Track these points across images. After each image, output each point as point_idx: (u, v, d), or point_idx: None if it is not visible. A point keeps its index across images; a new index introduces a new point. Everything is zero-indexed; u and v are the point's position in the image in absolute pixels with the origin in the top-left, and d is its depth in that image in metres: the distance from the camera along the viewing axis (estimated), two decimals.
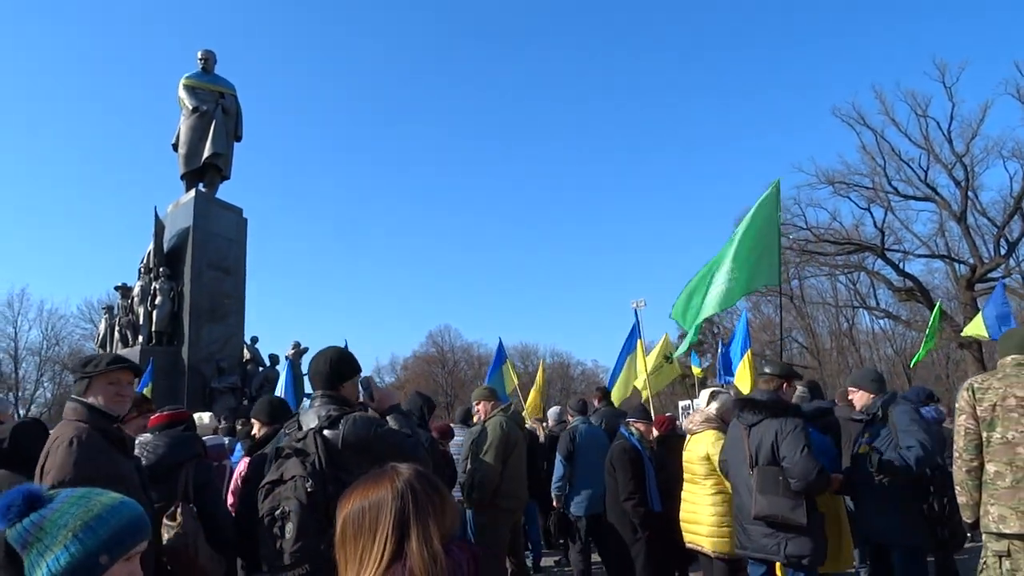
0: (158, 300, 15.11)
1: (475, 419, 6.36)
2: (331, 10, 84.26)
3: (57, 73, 70.81)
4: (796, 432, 4.20)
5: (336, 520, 1.49)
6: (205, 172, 16.37)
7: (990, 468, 3.56)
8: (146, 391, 11.60)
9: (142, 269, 15.79)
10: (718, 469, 4.96)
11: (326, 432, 2.96)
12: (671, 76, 79.47)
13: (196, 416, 5.46)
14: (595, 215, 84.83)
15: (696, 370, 17.90)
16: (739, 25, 73.29)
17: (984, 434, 3.61)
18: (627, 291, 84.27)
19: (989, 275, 30.84)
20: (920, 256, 34.15)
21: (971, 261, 31.81)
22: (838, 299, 42.22)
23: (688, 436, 5.45)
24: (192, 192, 15.97)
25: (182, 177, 16.43)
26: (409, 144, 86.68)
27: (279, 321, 65.06)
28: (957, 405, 3.80)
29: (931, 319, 12.22)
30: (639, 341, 10.00)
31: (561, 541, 8.54)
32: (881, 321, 41.58)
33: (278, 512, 2.75)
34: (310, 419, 3.08)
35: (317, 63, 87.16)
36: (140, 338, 15.23)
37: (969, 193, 31.78)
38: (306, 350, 17.84)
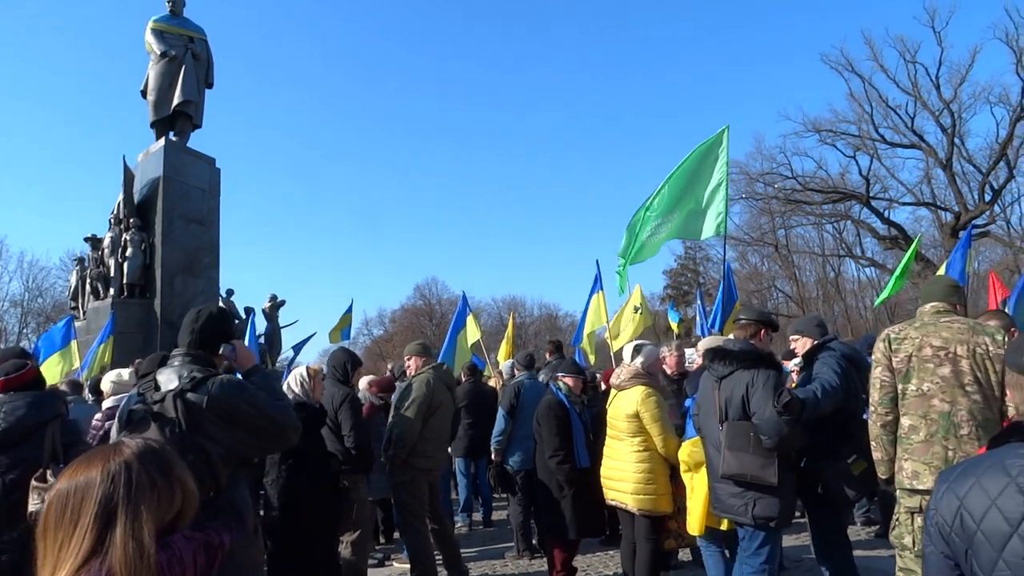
0: (129, 252, 14.79)
1: (408, 373, 6.09)
2: None
3: (31, 17, 68.63)
4: (768, 384, 3.96)
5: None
6: (176, 120, 15.88)
7: (904, 422, 3.40)
8: (104, 346, 11.43)
9: (112, 220, 15.41)
10: (651, 425, 4.86)
11: (189, 395, 2.73)
12: (659, 22, 77.79)
13: (116, 372, 5.33)
14: (582, 169, 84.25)
15: (674, 325, 17.80)
16: None
17: (900, 386, 3.42)
18: (614, 243, 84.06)
19: (974, 222, 30.82)
20: (905, 204, 34.12)
21: (956, 208, 31.74)
22: (824, 248, 42.25)
23: (614, 392, 5.29)
24: (162, 141, 15.51)
25: (152, 125, 15.94)
26: (391, 93, 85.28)
27: (260, 274, 64.72)
28: (873, 357, 3.61)
29: (905, 257, 11.68)
30: (600, 291, 9.86)
31: (502, 494, 8.57)
32: (867, 270, 41.58)
33: None
34: (170, 379, 2.85)
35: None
36: (112, 291, 14.96)
37: (956, 140, 31.59)
38: (283, 303, 17.77)
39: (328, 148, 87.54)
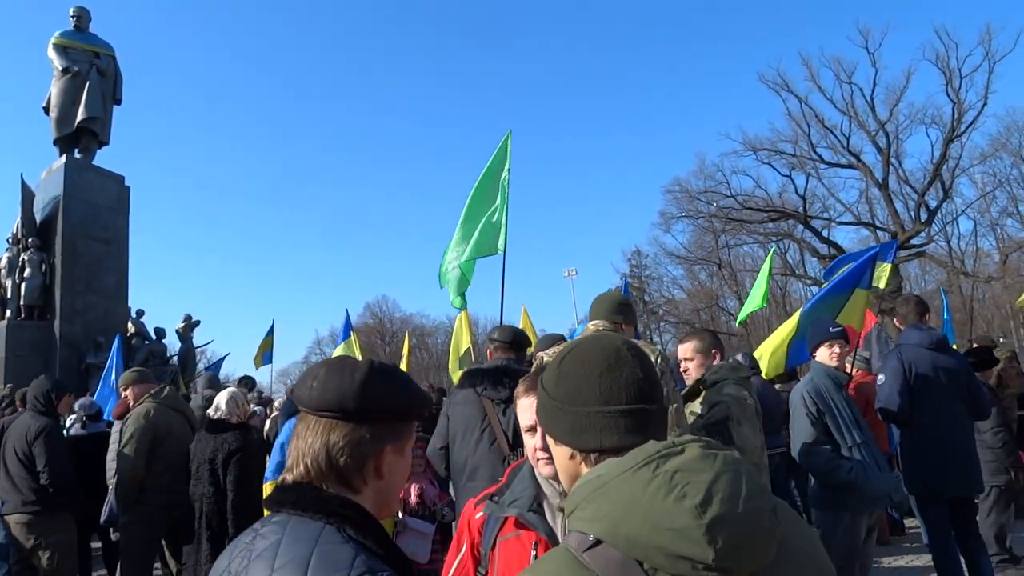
0: (27, 272, 14.30)
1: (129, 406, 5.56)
2: None
3: None
4: None
5: None
6: (80, 137, 15.49)
7: None
8: None
9: (10, 240, 14.93)
10: None
11: None
12: (601, 43, 78.72)
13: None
14: (529, 186, 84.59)
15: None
16: None
17: None
18: (560, 260, 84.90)
19: (911, 242, 31.37)
20: (843, 224, 34.59)
21: (893, 228, 32.27)
22: (771, 267, 42.50)
23: None
24: (63, 158, 15.10)
25: (55, 142, 15.51)
26: (325, 105, 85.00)
27: (189, 295, 63.26)
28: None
29: (760, 272, 11.20)
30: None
31: None
32: (813, 288, 42.14)
33: None
34: None
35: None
36: (8, 312, 14.44)
37: (892, 160, 32.20)
38: (197, 323, 17.31)
39: (295, 165, 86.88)
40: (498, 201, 5.98)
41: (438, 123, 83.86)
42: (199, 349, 18.38)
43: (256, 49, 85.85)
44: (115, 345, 10.34)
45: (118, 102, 16.20)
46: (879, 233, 33.63)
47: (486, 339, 4.30)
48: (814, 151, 32.92)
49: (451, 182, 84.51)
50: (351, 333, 10.80)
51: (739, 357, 6.35)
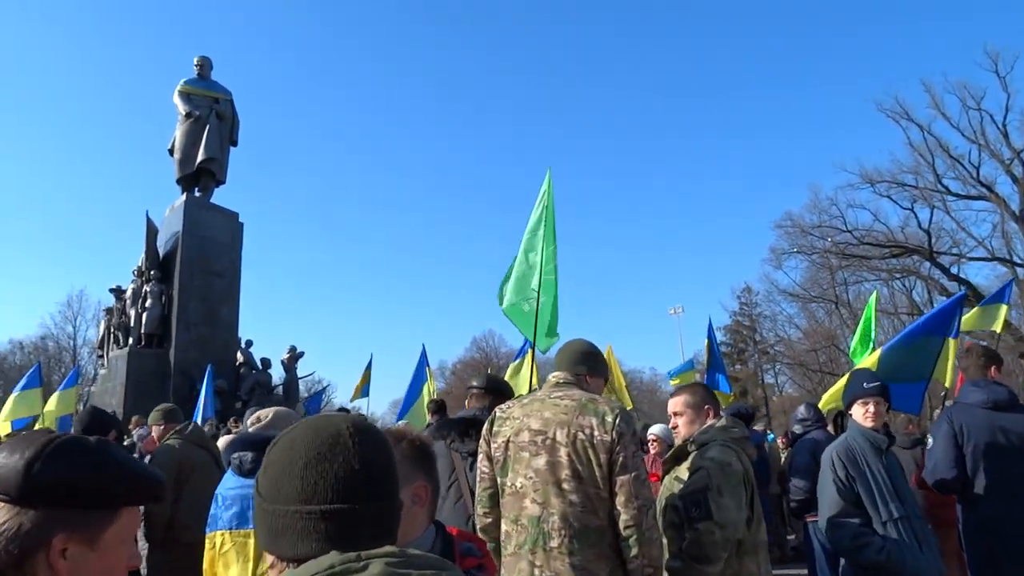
0: (148, 303, 15.33)
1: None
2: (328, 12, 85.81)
3: (113, 76, 73.88)
4: None
5: None
6: (200, 177, 16.56)
7: (503, 527, 2.63)
8: (68, 393, 11.67)
9: (135, 272, 16.05)
10: None
11: None
12: (708, 71, 77.46)
13: None
14: (634, 220, 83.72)
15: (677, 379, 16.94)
16: (771, 17, 70.76)
17: (499, 480, 2.67)
18: (666, 297, 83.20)
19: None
20: (974, 259, 32.10)
21: None
22: (897, 306, 40.08)
23: None
24: (184, 196, 16.17)
25: (177, 181, 16.66)
26: (429, 144, 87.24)
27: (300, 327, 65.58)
28: (483, 439, 2.86)
29: (863, 316, 10.08)
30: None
31: None
32: None
33: None
34: None
35: (319, 66, 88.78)
36: (131, 340, 15.46)
37: None
38: (302, 354, 17.91)
39: (400, 196, 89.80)
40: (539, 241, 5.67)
41: (561, 163, 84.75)
42: (301, 380, 19.02)
43: (356, 84, 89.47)
44: (207, 375, 10.77)
45: (234, 143, 17.24)
46: (1019, 270, 31.03)
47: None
48: (940, 182, 30.83)
49: (565, 216, 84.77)
50: (426, 371, 10.67)
51: (802, 409, 5.83)
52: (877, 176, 31.22)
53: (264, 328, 61.40)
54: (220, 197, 17.14)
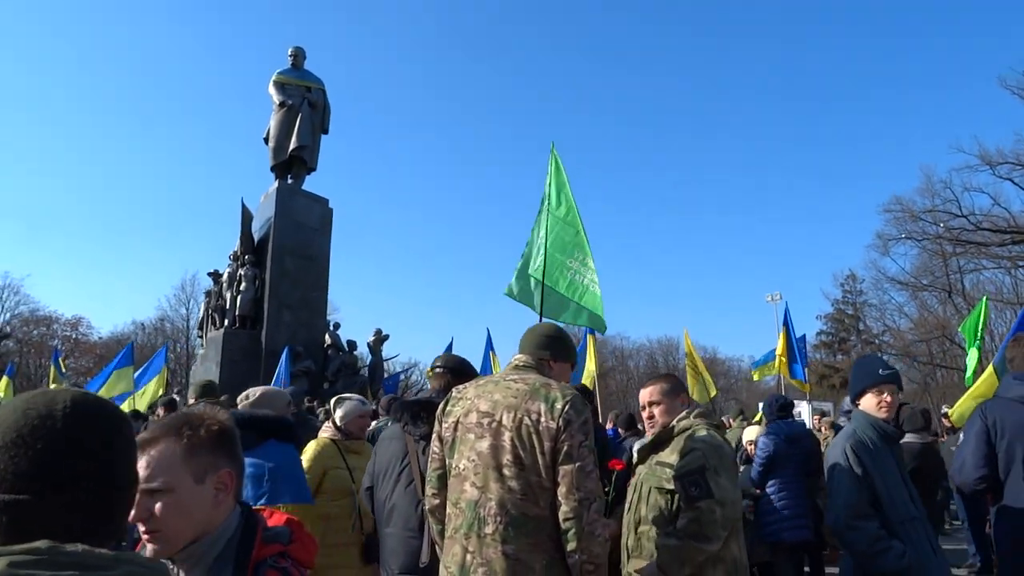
0: (242, 286, 16.01)
1: None
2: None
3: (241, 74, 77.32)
4: None
5: None
6: (292, 164, 17.10)
7: (447, 510, 2.56)
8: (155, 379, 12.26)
9: (231, 257, 16.77)
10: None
11: None
12: (811, 46, 73.73)
13: None
14: (735, 208, 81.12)
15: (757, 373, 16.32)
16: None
17: (448, 461, 2.58)
18: (763, 285, 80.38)
19: None
20: None
21: None
22: (1019, 295, 37.18)
23: None
24: (277, 183, 16.75)
25: (272, 169, 17.26)
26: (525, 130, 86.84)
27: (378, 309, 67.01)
28: (436, 419, 2.75)
29: (972, 313, 9.22)
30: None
31: None
32: None
33: None
34: None
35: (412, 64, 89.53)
36: (226, 321, 16.19)
37: None
38: (387, 337, 18.28)
39: (482, 185, 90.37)
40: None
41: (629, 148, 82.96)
42: (386, 362, 19.44)
43: (447, 80, 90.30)
44: (283, 355, 11.08)
45: (326, 131, 17.70)
46: None
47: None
48: None
49: (669, 209, 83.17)
50: (490, 356, 10.69)
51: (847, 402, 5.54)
52: (999, 157, 29.06)
53: (350, 311, 63.04)
54: (311, 183, 17.67)
